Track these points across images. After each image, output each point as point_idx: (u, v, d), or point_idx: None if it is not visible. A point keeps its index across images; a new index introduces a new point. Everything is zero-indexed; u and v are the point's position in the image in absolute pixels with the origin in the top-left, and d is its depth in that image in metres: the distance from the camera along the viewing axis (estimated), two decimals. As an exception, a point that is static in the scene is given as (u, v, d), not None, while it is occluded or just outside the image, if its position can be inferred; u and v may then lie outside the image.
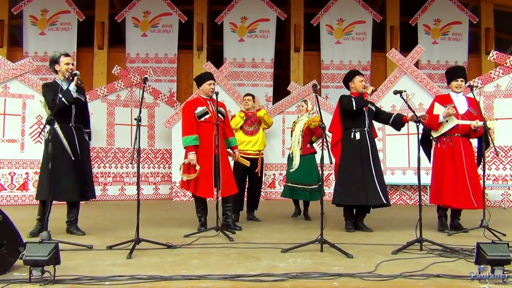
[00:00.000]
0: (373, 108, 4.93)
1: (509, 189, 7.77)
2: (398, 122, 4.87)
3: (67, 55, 4.44)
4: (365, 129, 4.76)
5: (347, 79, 4.93)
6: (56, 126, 4.21)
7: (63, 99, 4.18)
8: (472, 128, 4.67)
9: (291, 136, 6.16)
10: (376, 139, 5.17)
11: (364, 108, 4.77)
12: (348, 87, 4.95)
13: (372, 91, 4.74)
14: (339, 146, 4.79)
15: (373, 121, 4.96)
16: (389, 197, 8.23)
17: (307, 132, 5.87)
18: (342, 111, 4.78)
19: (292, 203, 6.20)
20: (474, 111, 4.78)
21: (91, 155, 8.20)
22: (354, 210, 4.80)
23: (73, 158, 4.26)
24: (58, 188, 4.16)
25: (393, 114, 4.94)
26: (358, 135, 4.72)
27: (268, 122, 5.92)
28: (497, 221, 5.02)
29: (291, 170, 5.86)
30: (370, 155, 4.69)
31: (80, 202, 4.56)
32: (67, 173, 4.21)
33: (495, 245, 2.58)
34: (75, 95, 4.30)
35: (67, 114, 4.30)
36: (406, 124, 5.08)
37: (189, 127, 4.68)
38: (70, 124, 4.33)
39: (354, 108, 4.61)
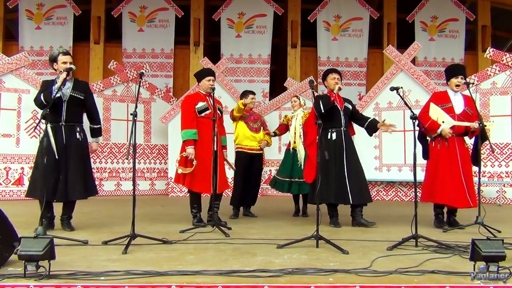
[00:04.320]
0: (350, 107, 4.91)
1: (505, 186, 7.81)
2: (372, 127, 4.87)
3: (66, 53, 4.31)
4: (342, 128, 4.77)
5: (323, 78, 5.02)
6: (48, 125, 4.11)
7: (41, 97, 4.16)
8: (470, 129, 4.65)
9: (280, 130, 6.00)
10: (372, 136, 5.19)
11: (339, 107, 4.78)
12: (325, 86, 5.02)
13: (339, 89, 4.75)
14: (314, 146, 4.61)
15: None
16: (385, 193, 8.46)
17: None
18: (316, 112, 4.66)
19: (289, 199, 6.18)
20: (470, 110, 4.74)
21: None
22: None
23: (56, 157, 4.15)
24: (37, 187, 4.11)
25: (369, 118, 4.93)
26: (334, 136, 4.74)
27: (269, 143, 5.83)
28: (492, 218, 5.04)
29: (299, 165, 5.62)
30: (345, 154, 4.70)
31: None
32: (48, 173, 4.08)
33: (490, 241, 2.58)
34: (58, 94, 4.13)
35: (57, 112, 4.21)
36: (403, 121, 5.09)
37: (189, 121, 4.66)
38: (60, 123, 4.24)
39: (323, 111, 4.61)
